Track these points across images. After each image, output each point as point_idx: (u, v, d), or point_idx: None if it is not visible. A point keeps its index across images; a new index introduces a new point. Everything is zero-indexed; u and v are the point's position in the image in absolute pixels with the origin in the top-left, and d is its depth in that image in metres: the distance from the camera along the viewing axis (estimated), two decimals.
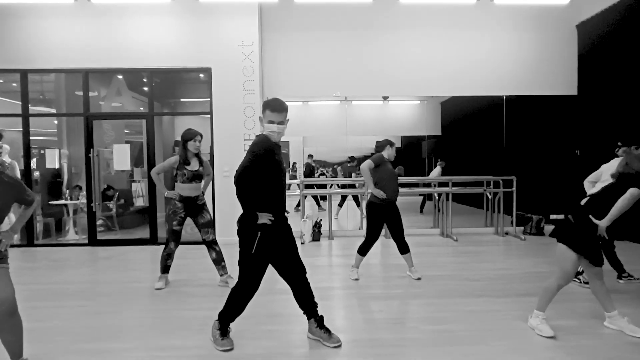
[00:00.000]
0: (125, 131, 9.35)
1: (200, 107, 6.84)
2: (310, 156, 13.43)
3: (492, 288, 4.14)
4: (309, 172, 12.31)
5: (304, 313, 2.99)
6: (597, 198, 3.01)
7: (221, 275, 4.37)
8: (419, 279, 4.47)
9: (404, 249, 4.50)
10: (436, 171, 10.44)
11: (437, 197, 7.60)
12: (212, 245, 4.34)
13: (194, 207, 4.26)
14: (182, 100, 9.28)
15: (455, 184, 7.39)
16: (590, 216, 2.91)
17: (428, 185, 8.30)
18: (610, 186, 3.00)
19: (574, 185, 3.06)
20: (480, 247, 6.24)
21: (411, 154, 15.23)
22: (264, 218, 2.73)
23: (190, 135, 4.20)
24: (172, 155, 4.36)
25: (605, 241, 4.09)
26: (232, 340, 2.90)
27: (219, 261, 4.37)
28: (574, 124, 7.11)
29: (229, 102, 6.46)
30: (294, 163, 16.34)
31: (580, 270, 4.08)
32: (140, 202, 8.74)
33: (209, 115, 6.55)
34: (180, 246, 4.51)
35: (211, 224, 4.36)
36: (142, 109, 8.38)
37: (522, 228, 7.22)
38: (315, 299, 3.00)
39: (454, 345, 2.86)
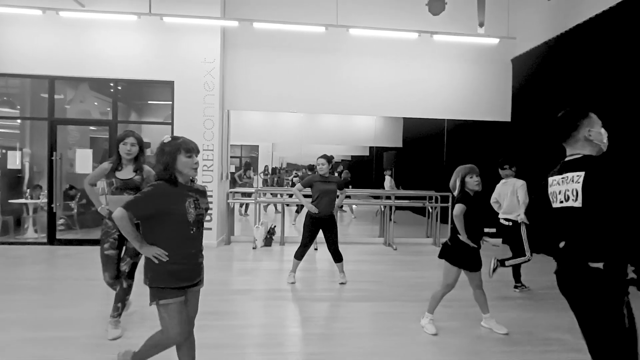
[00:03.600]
0: (91, 128, 9.59)
1: (162, 110, 7.09)
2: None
3: (407, 293, 4.76)
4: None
5: None
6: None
7: (112, 315, 3.38)
8: (342, 283, 5.04)
9: (337, 258, 5.09)
10: (387, 181, 11.16)
11: (382, 209, 8.24)
12: (125, 277, 3.36)
13: None
14: (141, 102, 9.57)
15: (400, 197, 8.11)
16: (458, 235, 3.55)
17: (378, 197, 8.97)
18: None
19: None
20: (415, 256, 6.90)
21: (380, 165, 15.96)
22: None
23: (120, 136, 3.35)
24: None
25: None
26: None
27: (120, 298, 3.37)
28: (507, 148, 7.90)
29: (190, 114, 6.88)
30: (265, 166, 16.82)
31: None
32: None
33: (169, 126, 6.96)
34: None
35: (134, 255, 3.32)
36: (100, 109, 8.62)
37: None
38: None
39: (351, 339, 3.45)
